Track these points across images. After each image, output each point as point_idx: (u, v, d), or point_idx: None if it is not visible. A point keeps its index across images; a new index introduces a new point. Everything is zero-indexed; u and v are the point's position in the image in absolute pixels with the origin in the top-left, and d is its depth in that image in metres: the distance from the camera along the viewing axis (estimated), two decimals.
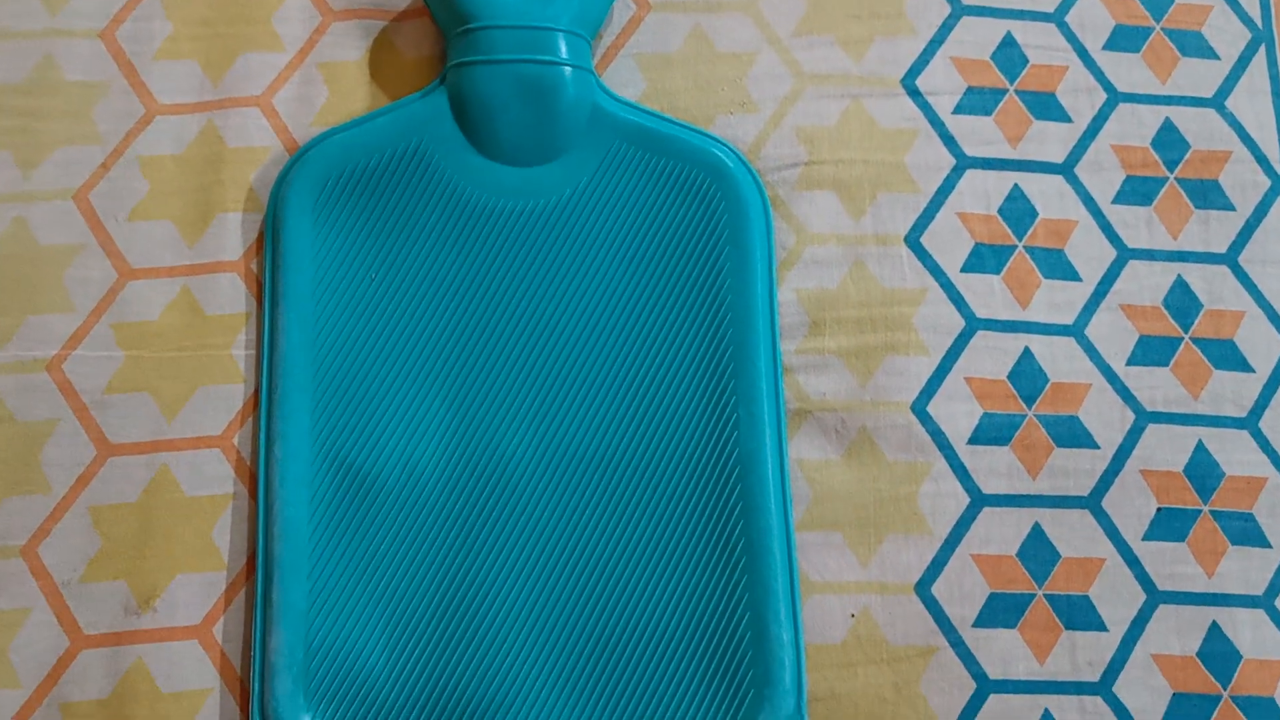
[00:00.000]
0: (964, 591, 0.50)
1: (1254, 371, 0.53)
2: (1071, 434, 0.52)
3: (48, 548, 0.49)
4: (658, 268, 0.52)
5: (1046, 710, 0.49)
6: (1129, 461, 0.52)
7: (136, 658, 0.48)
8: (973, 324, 0.53)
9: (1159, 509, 0.51)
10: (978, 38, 0.57)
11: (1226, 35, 0.57)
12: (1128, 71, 0.57)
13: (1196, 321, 0.54)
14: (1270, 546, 0.51)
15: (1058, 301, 0.54)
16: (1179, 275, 0.54)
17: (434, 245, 0.52)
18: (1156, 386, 0.53)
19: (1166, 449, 0.52)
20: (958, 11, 0.57)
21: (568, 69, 0.52)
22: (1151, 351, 0.53)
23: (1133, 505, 0.51)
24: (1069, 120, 0.56)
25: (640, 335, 0.52)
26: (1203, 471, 0.52)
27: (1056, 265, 0.54)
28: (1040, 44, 0.57)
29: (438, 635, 0.48)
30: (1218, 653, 0.50)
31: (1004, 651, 0.49)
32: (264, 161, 0.54)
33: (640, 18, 0.56)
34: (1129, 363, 0.53)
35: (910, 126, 0.55)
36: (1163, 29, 0.57)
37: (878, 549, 0.50)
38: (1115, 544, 0.51)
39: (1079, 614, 0.50)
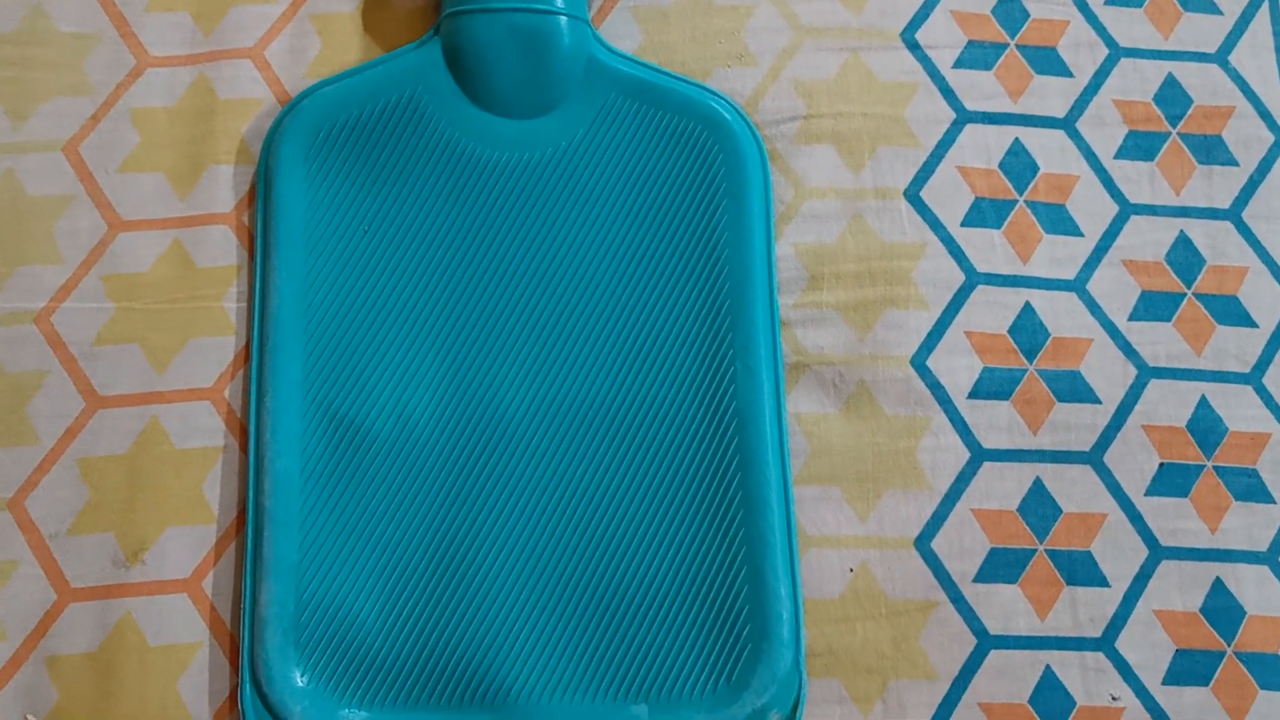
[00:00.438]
0: (964, 547, 0.49)
1: (1257, 327, 0.53)
2: (1073, 389, 0.51)
3: (35, 500, 0.48)
4: (654, 221, 0.52)
5: (1048, 666, 0.48)
6: (1131, 417, 0.51)
7: (125, 611, 0.47)
8: (973, 278, 0.52)
9: (1161, 464, 0.51)
10: None
11: None
12: (1129, 26, 0.56)
13: (1199, 277, 0.53)
14: (1274, 502, 0.50)
15: (1059, 256, 0.53)
16: (1181, 231, 0.54)
17: (427, 197, 0.52)
18: (1159, 342, 0.52)
19: (1169, 404, 0.51)
20: None
21: (563, 19, 0.52)
22: (1154, 307, 0.53)
23: (1135, 460, 0.51)
24: (1070, 75, 0.55)
25: (636, 289, 0.51)
26: (1206, 427, 0.51)
27: (1058, 220, 0.53)
28: None
29: (430, 588, 0.47)
30: (1221, 609, 0.49)
31: (1004, 607, 0.49)
32: (256, 113, 0.53)
33: None
34: (1131, 318, 0.52)
35: (910, 80, 0.55)
36: None
37: (876, 504, 0.50)
38: (1117, 499, 0.50)
39: (1080, 569, 0.49)
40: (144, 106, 0.53)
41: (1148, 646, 0.48)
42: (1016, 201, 0.54)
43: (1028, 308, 0.52)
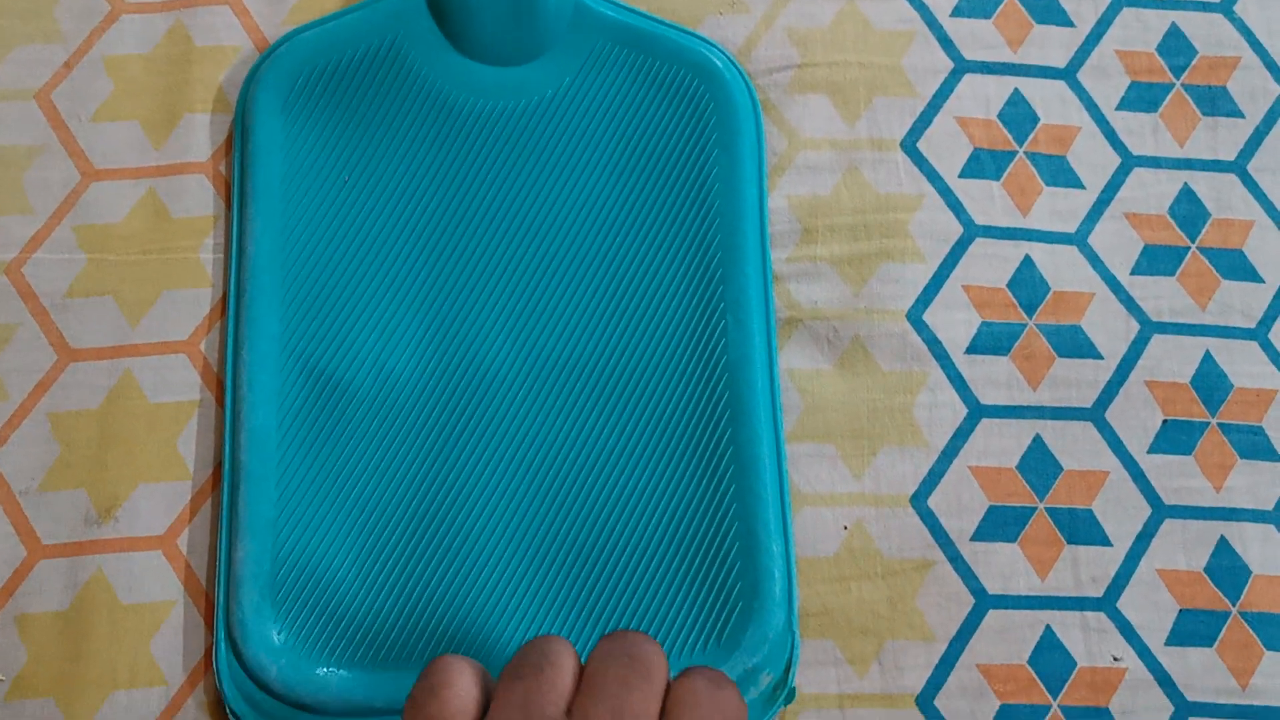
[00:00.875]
0: (962, 504, 0.48)
1: (1263, 282, 0.51)
2: (1074, 344, 0.50)
3: (4, 456, 0.47)
4: (643, 172, 0.50)
5: (1048, 626, 0.47)
6: (1134, 372, 0.50)
7: (97, 568, 0.46)
8: (971, 231, 0.51)
9: (1165, 421, 0.49)
10: None
11: None
12: None
13: (1204, 231, 0.52)
14: None
15: (1060, 209, 0.52)
16: (1185, 183, 0.52)
17: (409, 146, 0.50)
18: (1162, 296, 0.51)
19: (1173, 360, 0.50)
20: None
21: None
22: (1157, 261, 0.51)
23: (1138, 417, 0.49)
24: (1071, 25, 0.54)
25: (625, 241, 0.50)
26: (1210, 383, 0.50)
27: (1058, 172, 0.52)
28: None
29: (411, 546, 0.46)
30: (1226, 568, 0.48)
31: (1004, 566, 0.47)
32: (234, 62, 0.52)
33: None
34: (1133, 272, 0.51)
35: (907, 29, 0.53)
36: None
37: (872, 461, 0.48)
38: (1120, 457, 0.49)
39: (1082, 528, 0.48)
40: (118, 54, 0.52)
41: (1150, 606, 0.47)
42: (1016, 153, 0.52)
43: (1027, 261, 0.51)
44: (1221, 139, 0.53)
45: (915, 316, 0.50)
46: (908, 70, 0.53)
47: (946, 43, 0.53)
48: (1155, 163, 0.53)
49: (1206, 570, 0.48)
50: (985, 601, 0.47)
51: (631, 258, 0.49)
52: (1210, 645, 0.47)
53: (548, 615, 0.46)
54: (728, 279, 0.49)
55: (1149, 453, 0.49)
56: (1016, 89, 0.53)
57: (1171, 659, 0.46)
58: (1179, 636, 0.47)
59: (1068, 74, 0.53)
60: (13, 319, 0.48)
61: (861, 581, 0.47)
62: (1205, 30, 0.54)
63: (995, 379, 0.49)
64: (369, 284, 0.49)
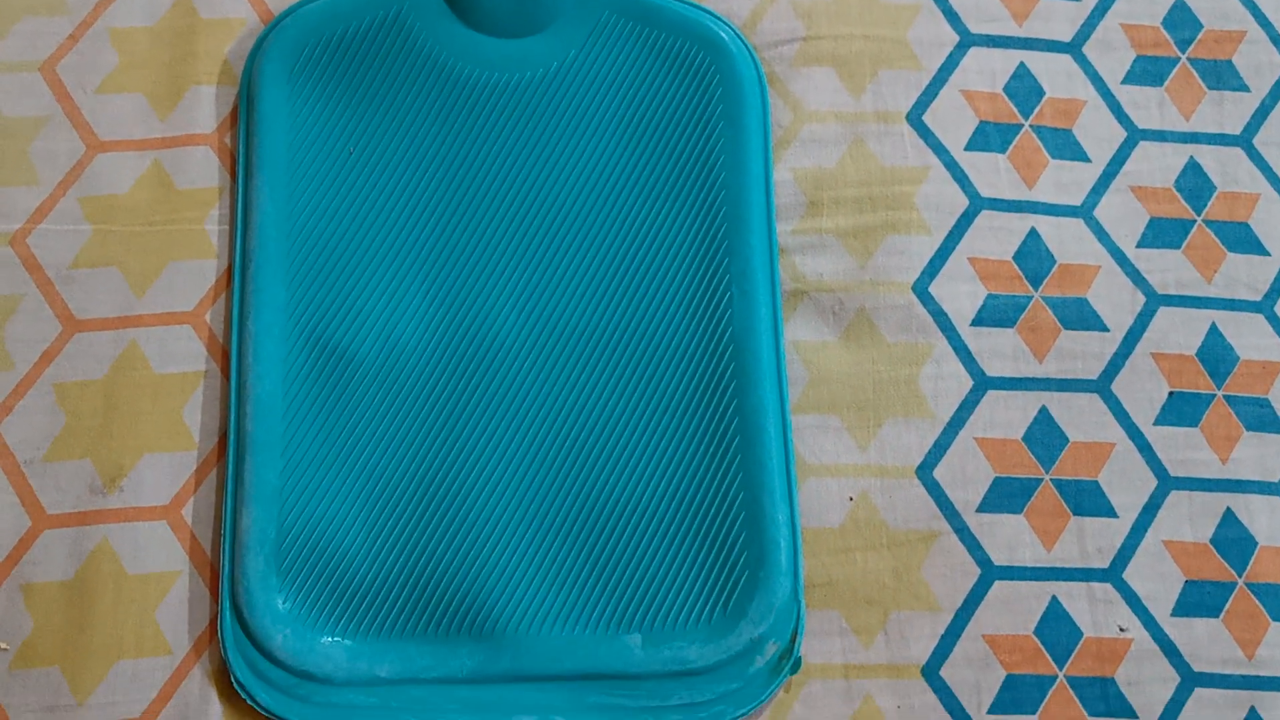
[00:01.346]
0: (967, 475, 0.48)
1: (1270, 255, 0.51)
2: (1080, 316, 0.50)
3: (10, 426, 0.47)
4: (649, 144, 0.50)
5: (1054, 597, 0.46)
6: (1140, 344, 0.50)
7: (102, 538, 0.46)
8: (977, 203, 0.51)
9: (1171, 393, 0.49)
10: None
11: None
12: None
13: (1209, 204, 0.52)
14: None
15: (1065, 182, 0.51)
16: (1191, 157, 0.52)
17: (414, 118, 0.50)
18: (1168, 269, 0.51)
19: (1179, 332, 0.50)
20: None
21: None
22: (1163, 233, 0.51)
23: (1144, 389, 0.49)
24: None
25: (630, 214, 0.49)
26: (1216, 355, 0.50)
27: (1064, 145, 0.52)
28: None
29: (416, 515, 0.46)
30: (1232, 539, 0.47)
31: (1009, 537, 0.47)
32: (239, 34, 0.52)
33: None
34: (1139, 245, 0.51)
35: (912, 2, 0.53)
36: None
37: (877, 432, 0.48)
38: (1126, 428, 0.49)
39: (1088, 500, 0.48)
40: (123, 26, 0.52)
41: (1157, 577, 0.47)
42: (1022, 126, 0.52)
43: (1033, 233, 0.51)
44: (1227, 113, 0.53)
45: (921, 289, 0.50)
46: (913, 43, 0.53)
47: (952, 16, 0.53)
48: (1161, 136, 0.52)
49: (1213, 541, 0.47)
50: (991, 572, 0.47)
51: (637, 230, 0.49)
52: (1216, 616, 0.46)
53: (552, 585, 0.45)
54: (733, 251, 0.49)
55: (1155, 424, 0.49)
56: (1022, 62, 0.53)
57: (1178, 630, 0.46)
58: (1185, 607, 0.47)
59: (1073, 48, 0.53)
60: (18, 289, 0.48)
61: (867, 552, 0.47)
62: (1210, 4, 0.54)
63: (1001, 351, 0.49)
64: (374, 254, 0.49)
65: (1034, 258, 0.50)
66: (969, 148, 0.51)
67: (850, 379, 0.49)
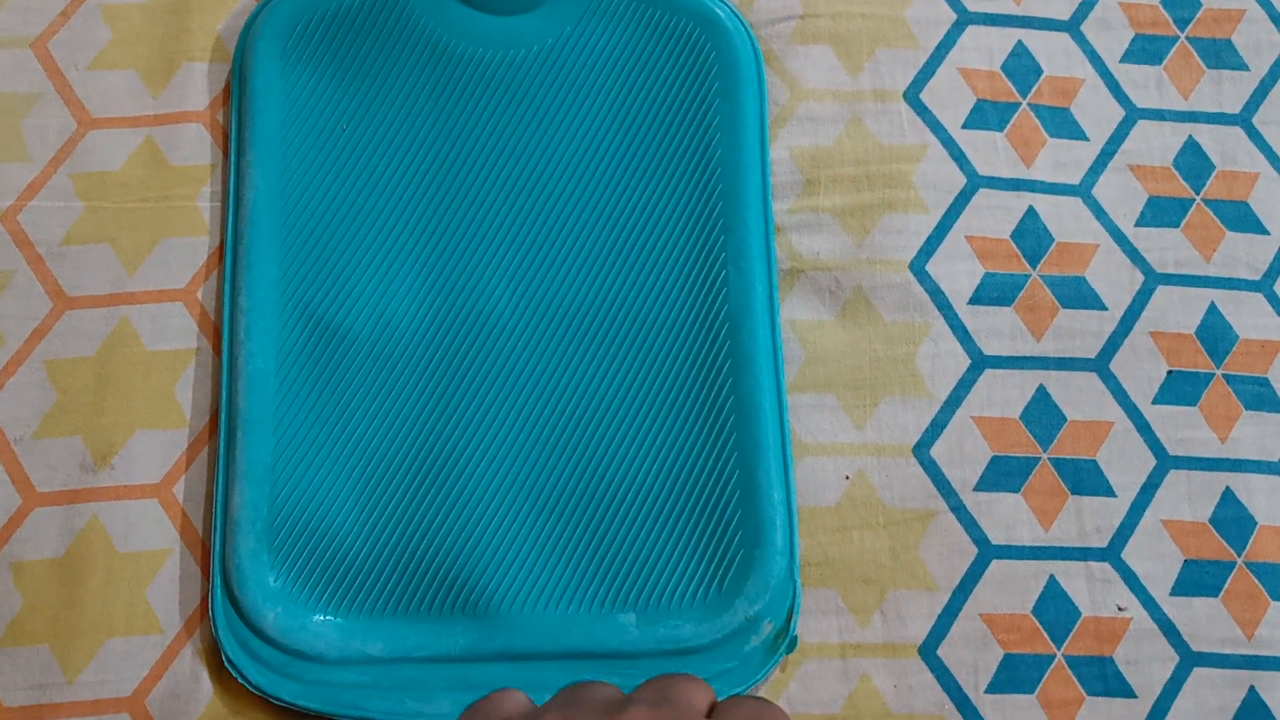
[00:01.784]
0: (964, 454, 0.47)
1: (1269, 234, 0.51)
2: (1078, 295, 0.49)
3: (0, 403, 0.47)
4: (644, 122, 0.50)
5: (1052, 576, 0.46)
6: (1138, 323, 0.49)
7: (92, 516, 0.45)
8: (974, 181, 0.51)
9: (1170, 372, 0.49)
10: None
11: None
12: None
13: (1208, 183, 0.51)
14: None
15: (1063, 160, 0.51)
16: (1190, 136, 0.52)
17: (408, 95, 0.50)
18: (1167, 248, 0.50)
19: (1177, 311, 0.49)
20: None
21: None
22: (1161, 212, 0.51)
23: (1142, 368, 0.49)
24: None
25: (626, 191, 0.49)
26: (1215, 334, 0.49)
27: (1062, 123, 0.52)
28: None
29: (410, 493, 0.46)
30: (1231, 519, 0.47)
31: (1007, 516, 0.47)
32: (232, 9, 0.51)
33: None
34: (1138, 224, 0.51)
35: None
36: None
37: (874, 411, 0.48)
38: (1124, 407, 0.48)
39: (1086, 479, 0.47)
40: (116, 3, 0.51)
41: (1155, 557, 0.47)
42: (1019, 104, 0.52)
43: (1031, 212, 0.50)
44: (1226, 92, 0.53)
45: (918, 267, 0.49)
46: (910, 21, 0.52)
47: None
48: (1159, 115, 0.52)
49: (1212, 521, 0.47)
50: (988, 551, 0.46)
51: (632, 208, 0.49)
52: (1216, 595, 0.46)
53: (546, 564, 0.45)
54: (729, 229, 0.49)
55: (1154, 403, 0.48)
56: (1020, 41, 0.53)
57: (1177, 609, 0.46)
58: (1184, 587, 0.46)
59: (1071, 26, 0.53)
60: (8, 266, 0.48)
61: (863, 531, 0.46)
62: None
63: (998, 329, 0.49)
64: (367, 231, 0.48)
65: (1032, 236, 0.50)
66: (966, 126, 0.51)
67: (847, 358, 0.48)
